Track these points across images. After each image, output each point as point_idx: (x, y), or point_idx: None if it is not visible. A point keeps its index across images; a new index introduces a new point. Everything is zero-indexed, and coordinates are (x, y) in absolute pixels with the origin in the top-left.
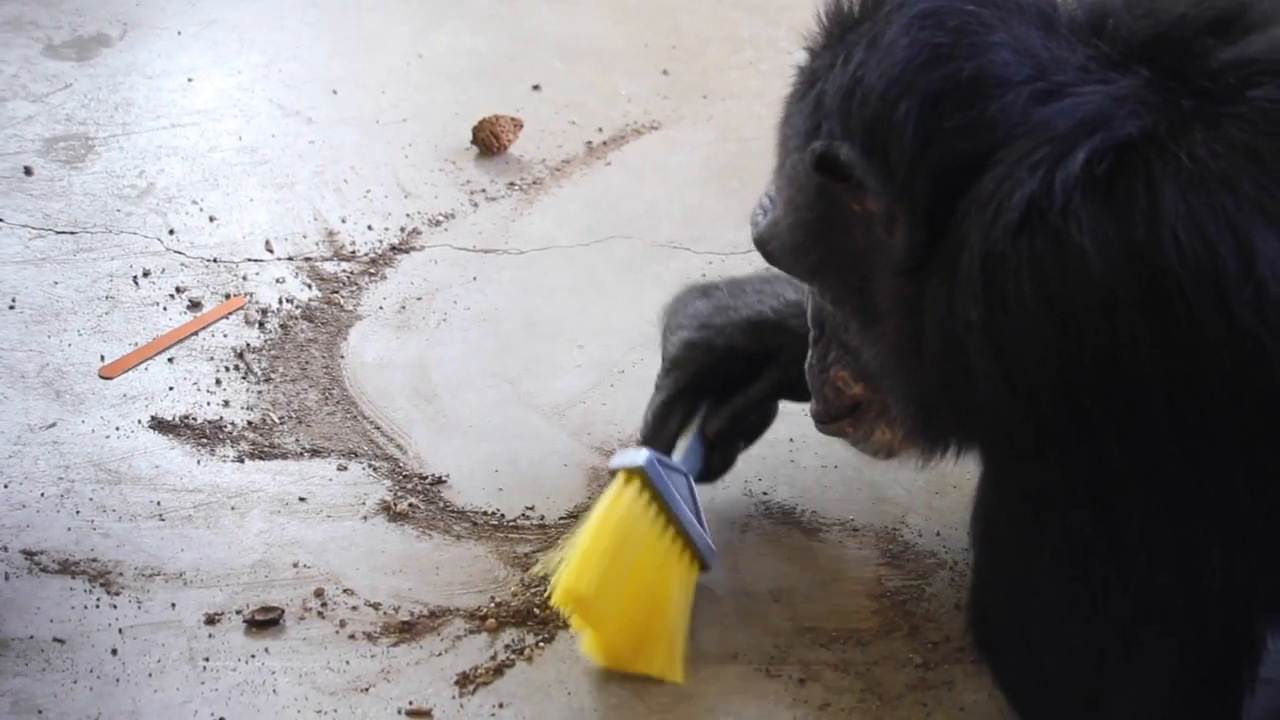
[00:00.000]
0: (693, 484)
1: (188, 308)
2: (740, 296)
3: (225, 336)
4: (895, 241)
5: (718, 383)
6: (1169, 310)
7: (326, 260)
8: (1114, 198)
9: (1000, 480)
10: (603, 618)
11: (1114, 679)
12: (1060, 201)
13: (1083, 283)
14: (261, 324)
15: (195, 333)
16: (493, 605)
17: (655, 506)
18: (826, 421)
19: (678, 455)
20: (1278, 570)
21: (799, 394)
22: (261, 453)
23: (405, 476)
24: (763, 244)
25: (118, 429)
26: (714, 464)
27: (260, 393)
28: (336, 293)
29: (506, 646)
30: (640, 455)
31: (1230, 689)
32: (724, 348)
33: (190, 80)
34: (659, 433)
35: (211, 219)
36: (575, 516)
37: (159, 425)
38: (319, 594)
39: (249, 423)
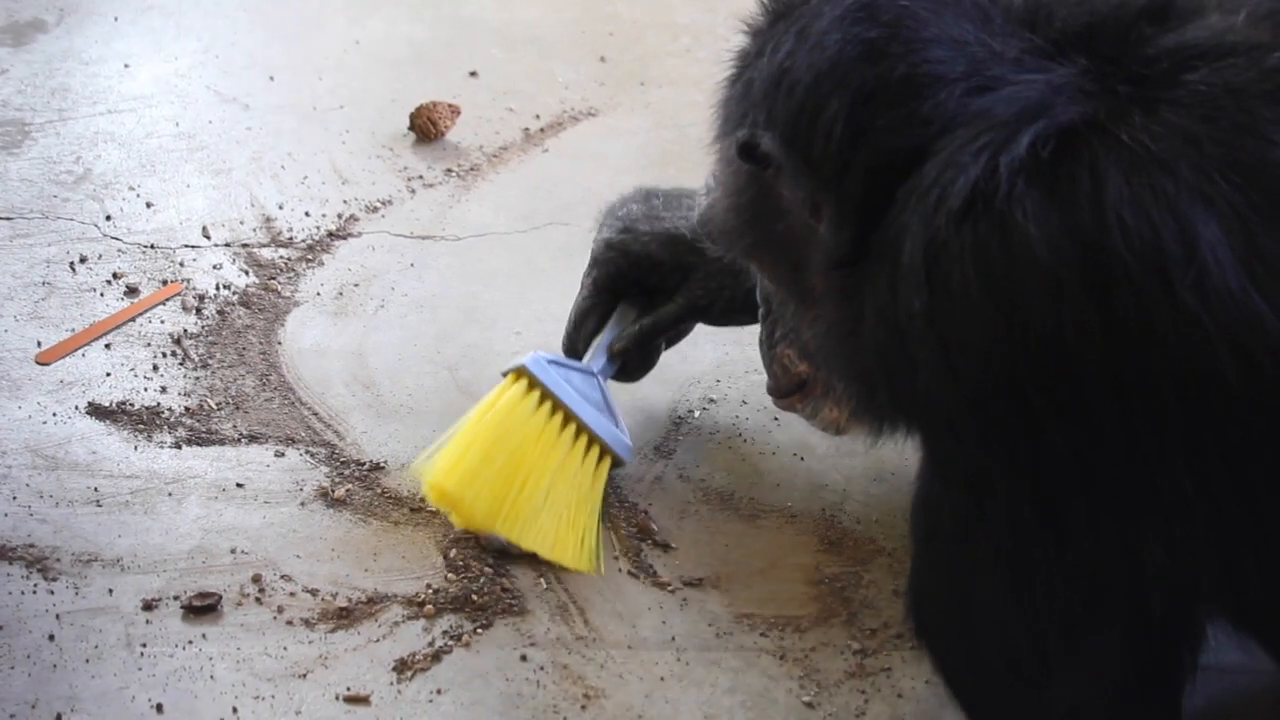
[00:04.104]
0: (604, 384)
1: (125, 294)
2: (673, 208)
3: (162, 323)
4: (823, 231)
5: (637, 287)
6: (1114, 294)
7: (264, 246)
8: (1058, 182)
9: (942, 468)
10: (477, 510)
11: (1054, 666)
12: (1005, 187)
13: (1028, 268)
14: (199, 310)
15: (132, 319)
16: (430, 591)
17: (548, 404)
18: (778, 397)
19: (589, 356)
20: (1219, 560)
21: (713, 318)
22: (199, 439)
23: (343, 463)
24: (703, 225)
25: (54, 415)
26: (632, 365)
27: (198, 379)
28: (274, 279)
29: (444, 633)
30: (526, 356)
31: (1170, 678)
32: (640, 255)
33: (127, 66)
34: (576, 333)
35: (149, 205)
36: None
37: (96, 411)
38: (256, 580)
39: (186, 409)
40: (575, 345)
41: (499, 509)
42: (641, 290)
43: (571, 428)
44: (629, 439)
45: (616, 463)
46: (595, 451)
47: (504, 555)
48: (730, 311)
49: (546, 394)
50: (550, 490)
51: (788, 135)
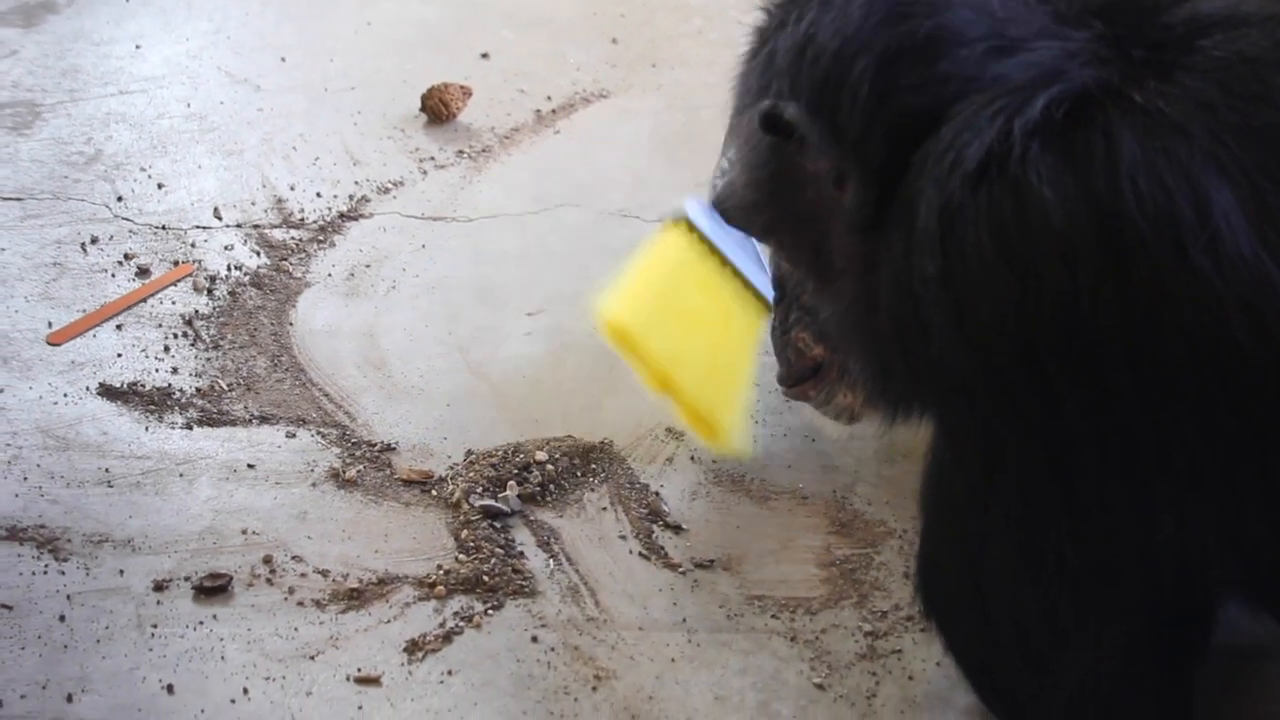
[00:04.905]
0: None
1: (136, 275)
2: None
3: (174, 303)
4: (847, 200)
5: None
6: (1128, 257)
7: (275, 227)
8: (1072, 146)
9: (954, 437)
10: (651, 350)
11: (1065, 639)
12: (1019, 151)
13: (1042, 232)
14: (210, 291)
15: (143, 300)
16: (441, 572)
17: (707, 249)
18: (790, 385)
19: None
20: (1231, 528)
21: None
22: (210, 420)
23: (354, 444)
24: (720, 203)
25: (66, 396)
26: None
27: (209, 360)
28: (285, 260)
29: (455, 614)
30: (686, 202)
31: (1182, 657)
32: None
33: (138, 47)
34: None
35: (160, 186)
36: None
37: (107, 392)
38: (267, 561)
39: (197, 390)
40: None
41: (672, 353)
42: None
43: (730, 274)
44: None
45: (768, 309)
46: (751, 301)
47: (507, 524)
48: None
49: (707, 242)
50: (717, 340)
51: (813, 102)
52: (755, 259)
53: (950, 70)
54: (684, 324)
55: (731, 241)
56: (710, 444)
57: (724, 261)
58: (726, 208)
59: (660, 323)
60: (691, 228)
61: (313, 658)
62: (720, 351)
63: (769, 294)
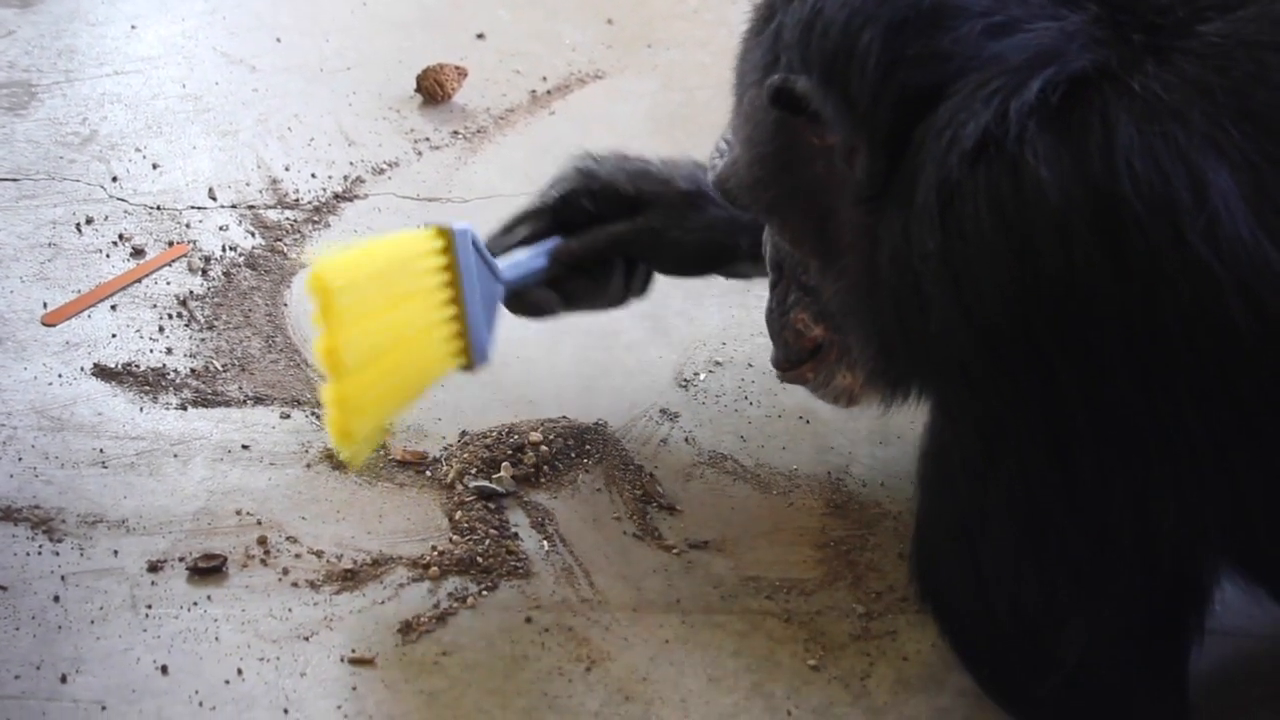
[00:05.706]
0: (499, 295)
1: (130, 255)
2: (644, 160)
3: (168, 284)
4: (856, 173)
5: (585, 219)
6: (1124, 240)
7: (270, 208)
8: (1069, 128)
9: (952, 415)
10: (339, 324)
11: (1063, 620)
12: (1015, 130)
13: (1038, 209)
14: (205, 271)
15: (138, 280)
16: (435, 553)
17: (446, 276)
18: (787, 368)
19: (505, 261)
20: (1230, 509)
21: (660, 256)
22: (204, 400)
23: None
24: (721, 183)
25: (60, 376)
26: (540, 299)
27: (203, 340)
28: (280, 240)
29: (450, 595)
30: (460, 224)
31: (1178, 639)
32: (605, 180)
33: (134, 27)
34: (503, 234)
35: (155, 166)
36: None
37: (101, 372)
38: (262, 541)
39: (192, 370)
40: (496, 247)
41: (355, 329)
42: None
43: (454, 310)
44: (491, 352)
45: (466, 365)
46: (456, 344)
47: (501, 506)
48: (680, 259)
49: (454, 267)
50: (398, 348)
51: (825, 75)
52: (489, 310)
53: (950, 46)
54: (381, 308)
55: (477, 283)
56: (334, 439)
57: (458, 295)
58: (729, 186)
59: (366, 307)
60: (448, 248)
61: (307, 638)
62: (401, 365)
63: (479, 349)
